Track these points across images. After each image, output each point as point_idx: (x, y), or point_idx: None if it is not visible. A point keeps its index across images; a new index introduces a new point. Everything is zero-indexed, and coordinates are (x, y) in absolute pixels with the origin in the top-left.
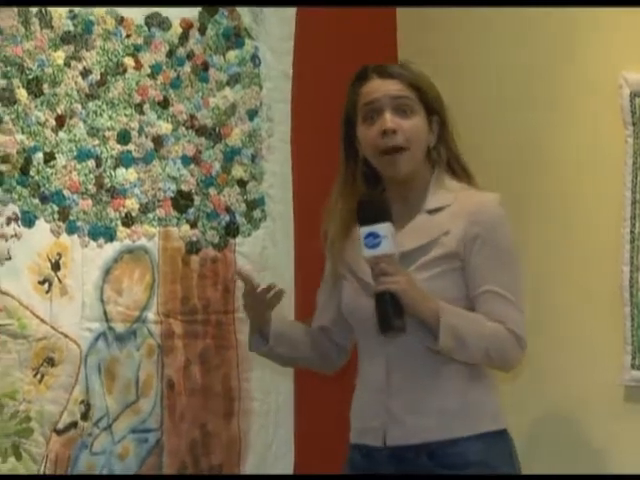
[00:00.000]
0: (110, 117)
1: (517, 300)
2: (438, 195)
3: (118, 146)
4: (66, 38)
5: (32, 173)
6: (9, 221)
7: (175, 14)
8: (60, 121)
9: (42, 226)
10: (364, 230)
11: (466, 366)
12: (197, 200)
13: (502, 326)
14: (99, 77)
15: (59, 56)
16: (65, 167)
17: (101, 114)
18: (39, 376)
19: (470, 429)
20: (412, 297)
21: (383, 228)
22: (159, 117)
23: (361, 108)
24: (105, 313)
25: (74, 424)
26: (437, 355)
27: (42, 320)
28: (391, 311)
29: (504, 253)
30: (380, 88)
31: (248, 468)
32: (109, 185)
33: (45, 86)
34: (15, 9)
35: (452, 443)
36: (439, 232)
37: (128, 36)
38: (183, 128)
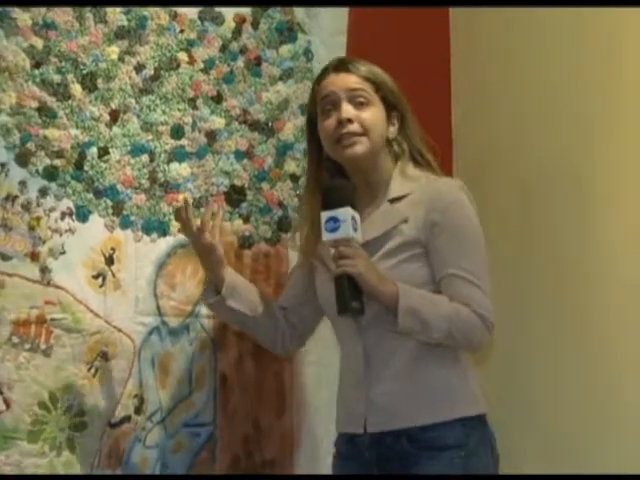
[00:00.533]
0: (164, 112)
1: (481, 282)
2: (400, 184)
3: (171, 141)
4: (120, 33)
5: (86, 168)
6: (63, 216)
7: (228, 9)
8: (114, 116)
9: (96, 221)
10: (324, 215)
11: (444, 351)
12: (250, 195)
13: (467, 308)
14: (153, 72)
15: (113, 51)
16: (119, 162)
17: (155, 109)
18: (93, 370)
19: (449, 414)
20: (369, 279)
21: (342, 212)
22: (212, 112)
23: (319, 102)
24: (158, 307)
25: (128, 418)
26: (414, 341)
27: (96, 314)
28: (348, 293)
29: (464, 236)
30: (336, 82)
31: (300, 463)
32: (162, 180)
33: (99, 81)
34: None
35: (431, 427)
36: (398, 220)
37: (182, 31)
38: (236, 123)
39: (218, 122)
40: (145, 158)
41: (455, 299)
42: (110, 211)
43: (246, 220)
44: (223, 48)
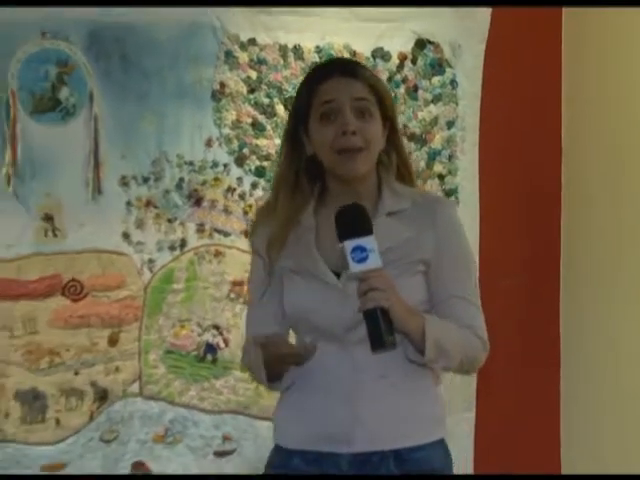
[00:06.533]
0: None
1: (479, 302)
2: (394, 198)
3: None
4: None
5: None
6: None
7: (394, 48)
8: None
9: None
10: (350, 244)
11: (431, 371)
12: None
13: (470, 332)
14: None
15: None
16: None
17: None
18: None
19: (436, 434)
20: (400, 312)
21: (369, 241)
22: None
23: (319, 105)
24: None
25: None
26: (405, 359)
27: None
28: (383, 327)
29: (465, 258)
30: (340, 87)
31: None
32: None
33: None
34: (277, 45)
35: (420, 449)
36: (401, 237)
37: None
38: None
39: None
40: None
41: (460, 321)
42: None
43: None
44: (389, 79)
